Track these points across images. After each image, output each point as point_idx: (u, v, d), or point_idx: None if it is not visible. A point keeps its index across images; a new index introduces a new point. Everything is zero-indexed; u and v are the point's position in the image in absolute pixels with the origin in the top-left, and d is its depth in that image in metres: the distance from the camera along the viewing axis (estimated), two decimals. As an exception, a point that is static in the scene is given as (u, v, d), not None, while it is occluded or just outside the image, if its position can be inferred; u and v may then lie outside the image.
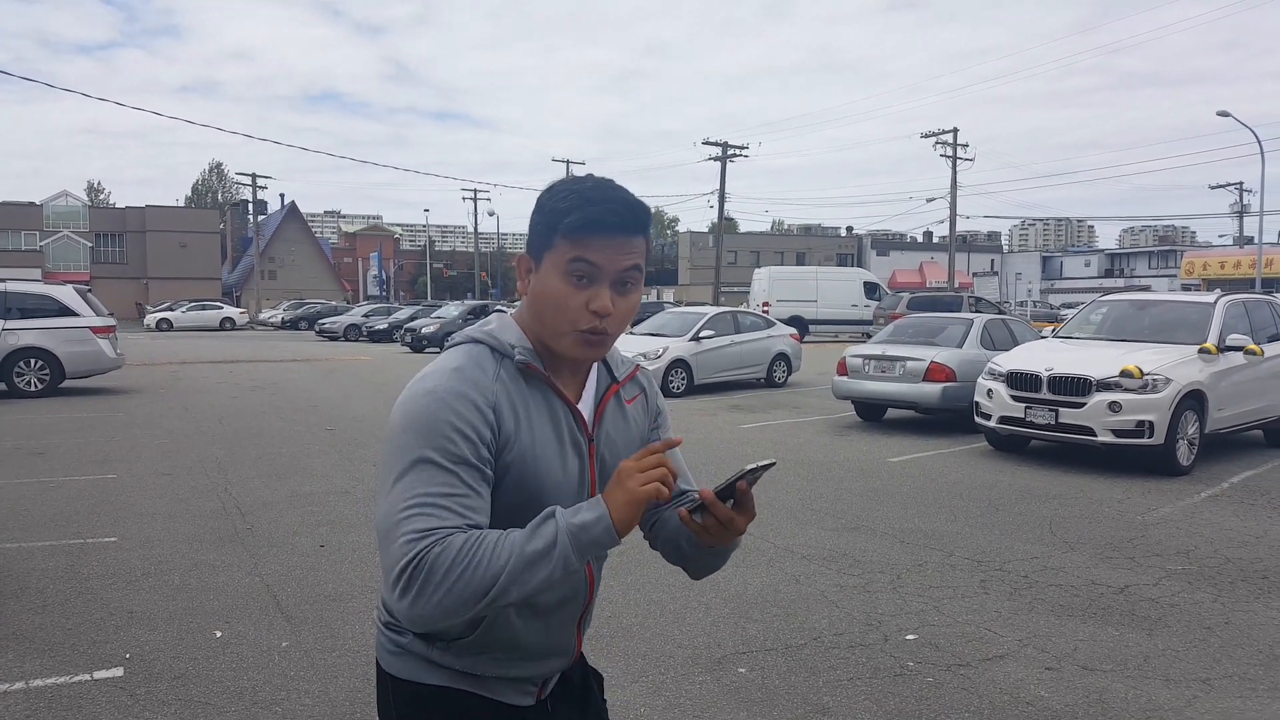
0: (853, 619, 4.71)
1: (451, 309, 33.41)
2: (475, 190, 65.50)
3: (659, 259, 76.17)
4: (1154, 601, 5.04)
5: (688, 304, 37.19)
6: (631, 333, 18.71)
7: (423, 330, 29.33)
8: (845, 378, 12.22)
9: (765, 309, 32.24)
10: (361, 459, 9.28)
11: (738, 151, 45.62)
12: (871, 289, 35.25)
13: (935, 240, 71.71)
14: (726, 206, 48.31)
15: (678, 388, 15.48)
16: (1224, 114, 34.82)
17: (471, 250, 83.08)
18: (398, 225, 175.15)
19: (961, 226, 51.36)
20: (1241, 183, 52.88)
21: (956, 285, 47.16)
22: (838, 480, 8.52)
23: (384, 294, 77.48)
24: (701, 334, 16.14)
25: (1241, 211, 52.61)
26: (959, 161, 43.02)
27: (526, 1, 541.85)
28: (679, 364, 15.59)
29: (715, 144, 45.29)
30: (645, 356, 15.24)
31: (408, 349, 29.48)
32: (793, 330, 18.93)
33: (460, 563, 1.21)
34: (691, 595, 5.04)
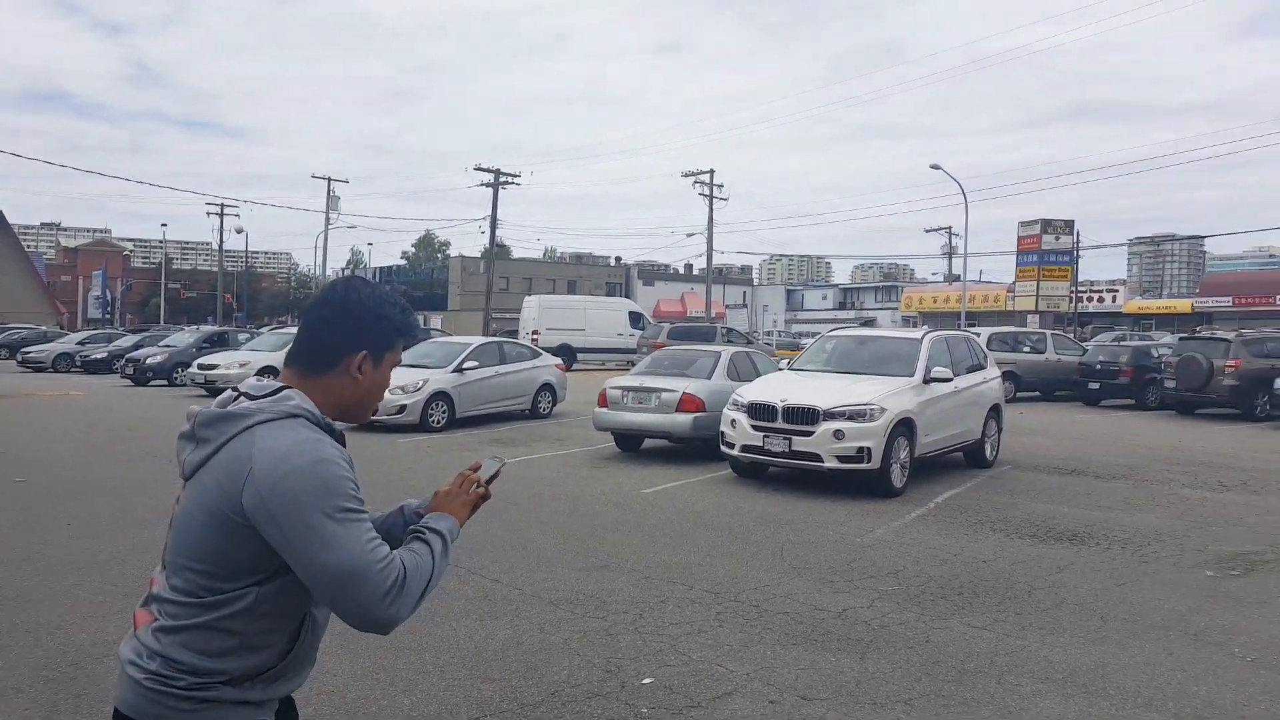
0: (593, 667, 4.80)
1: (184, 336, 29.63)
2: (223, 205, 60.94)
3: (428, 283, 74.48)
4: (867, 624, 5.53)
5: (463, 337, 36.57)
6: (391, 364, 18.14)
7: (148, 360, 25.24)
8: (605, 409, 12.52)
9: (535, 337, 32.43)
10: (56, 517, 8.17)
11: (510, 179, 45.70)
12: (636, 318, 36.39)
13: (695, 272, 75.25)
14: (499, 233, 48.21)
15: (438, 421, 15.15)
16: (935, 167, 39.26)
17: (215, 270, 77.17)
18: (129, 240, 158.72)
19: (718, 260, 54.32)
20: (950, 227, 59.79)
21: (713, 315, 49.74)
22: (592, 515, 8.68)
23: (107, 317, 70.01)
24: (465, 365, 15.91)
25: (950, 252, 59.45)
26: (715, 200, 45.54)
27: (289, 7, 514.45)
28: (440, 396, 15.28)
29: (488, 170, 45.11)
30: (404, 390, 14.83)
31: (129, 382, 25.59)
32: (558, 360, 19.14)
33: (417, 571, 1.69)
34: (427, 657, 4.88)
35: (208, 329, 33.53)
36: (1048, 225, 48.81)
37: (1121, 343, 25.93)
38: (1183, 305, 51.15)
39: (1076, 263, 48.91)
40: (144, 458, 11.79)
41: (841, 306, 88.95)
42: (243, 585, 1.67)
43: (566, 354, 32.22)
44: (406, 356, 18.03)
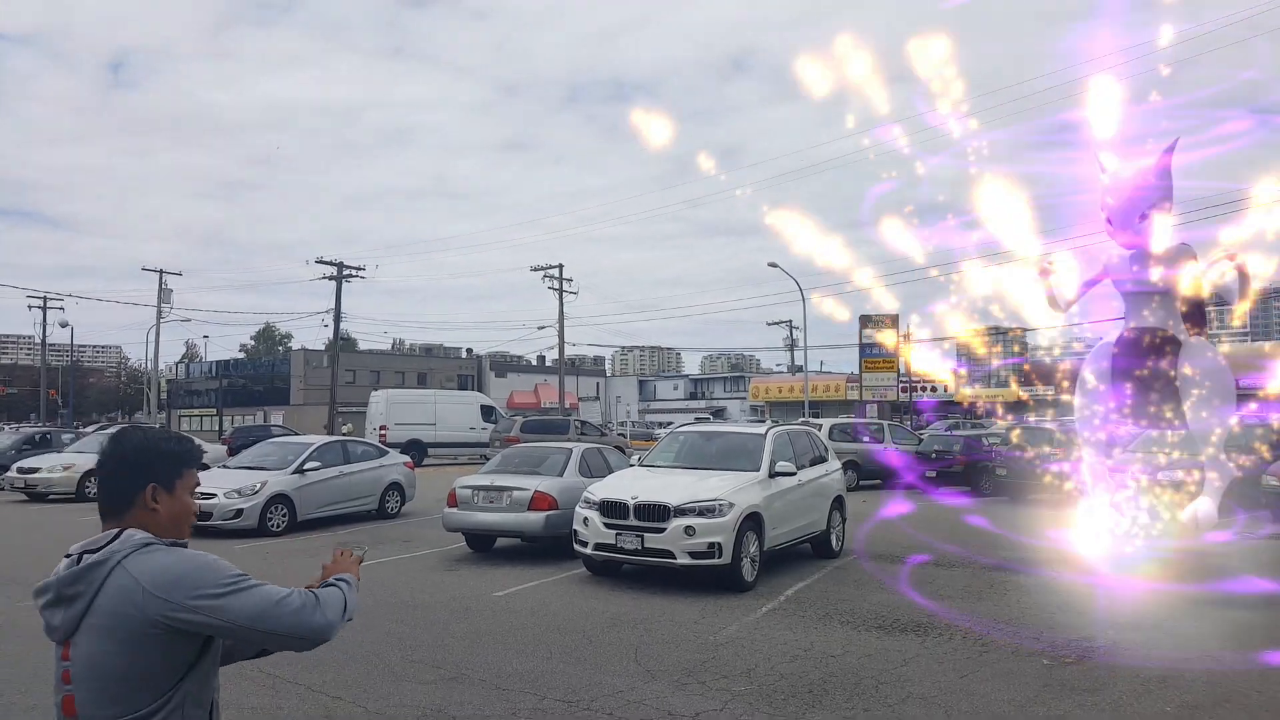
0: (436, 792, 4.49)
1: (3, 437, 27.26)
2: (45, 297, 56.63)
3: (269, 377, 71.17)
4: (720, 727, 5.45)
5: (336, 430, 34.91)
6: (227, 466, 17.04)
7: None
8: (455, 509, 12.13)
9: (383, 433, 31.37)
10: None
11: (354, 272, 44.75)
12: (488, 411, 35.87)
13: (548, 363, 75.37)
14: (345, 325, 46.84)
15: (278, 525, 14.24)
16: (773, 265, 41.30)
17: (37, 365, 71.25)
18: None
19: (570, 352, 54.71)
20: (791, 320, 62.55)
21: (567, 406, 49.73)
22: (442, 623, 8.29)
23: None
24: (306, 466, 15.14)
25: (792, 345, 62.11)
26: (565, 294, 46.09)
27: (118, 96, 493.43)
28: (280, 499, 14.40)
29: (330, 263, 44.06)
30: (240, 493, 13.93)
31: None
32: (406, 458, 18.52)
33: (330, 597, 2.19)
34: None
35: (29, 429, 30.75)
36: (873, 320, 52.01)
37: (954, 432, 27.57)
38: (1010, 394, 54.99)
39: (897, 356, 52.03)
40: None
41: (692, 396, 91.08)
42: (166, 692, 2.00)
43: (417, 449, 31.34)
44: (245, 458, 17.21)
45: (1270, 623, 8.39)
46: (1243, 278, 9.55)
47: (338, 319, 44.51)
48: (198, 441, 2.44)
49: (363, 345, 74.40)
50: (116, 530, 2.08)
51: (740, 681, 6.43)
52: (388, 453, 17.87)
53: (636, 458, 14.05)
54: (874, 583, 10.30)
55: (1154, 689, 6.25)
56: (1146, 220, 9.87)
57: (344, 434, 32.72)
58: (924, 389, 57.13)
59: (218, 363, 78.16)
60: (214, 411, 65.04)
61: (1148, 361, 9.82)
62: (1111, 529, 10.08)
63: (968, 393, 57.77)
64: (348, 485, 15.80)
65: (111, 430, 2.48)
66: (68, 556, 2.05)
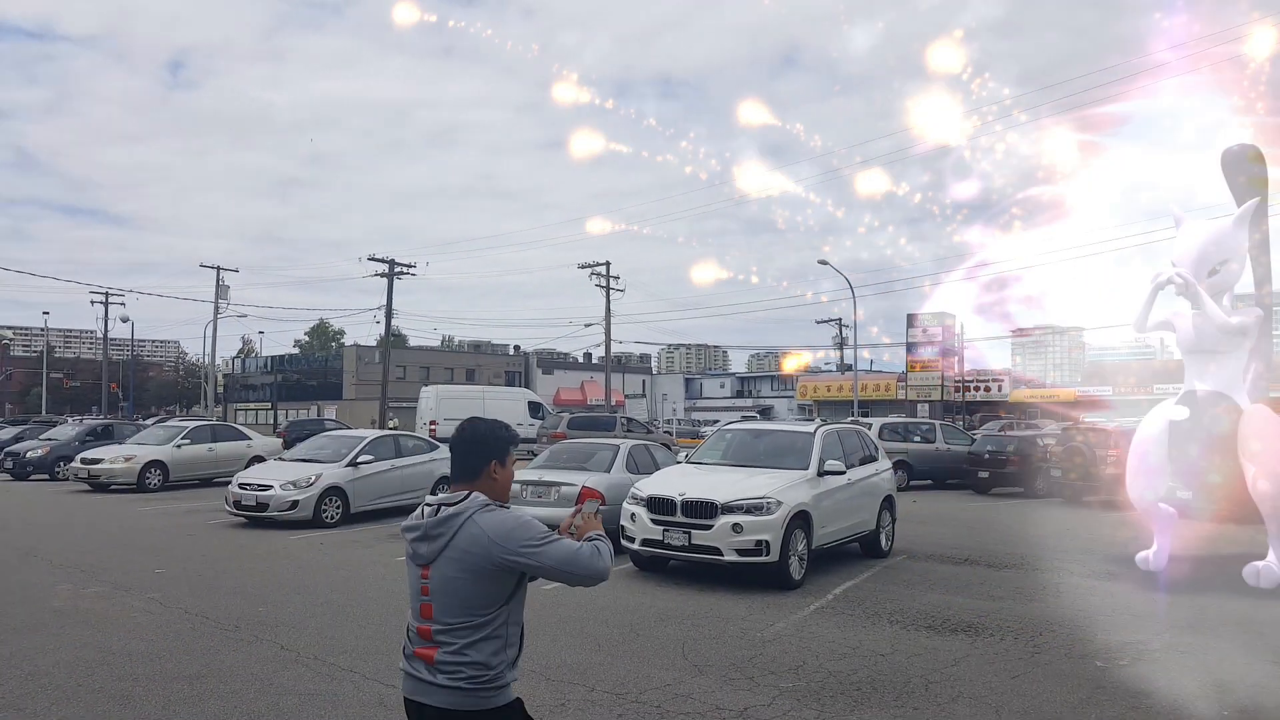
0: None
1: (67, 429, 28.23)
2: (107, 293, 58.42)
3: (322, 372, 72.60)
4: (767, 722, 5.45)
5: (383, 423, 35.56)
6: (283, 459, 17.44)
7: (28, 454, 24.00)
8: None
9: (432, 427, 31.82)
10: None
11: (405, 269, 45.38)
12: (535, 408, 36.20)
13: (595, 360, 75.75)
14: (395, 322, 47.56)
15: (332, 517, 14.54)
16: (824, 262, 40.92)
17: (99, 359, 73.52)
18: (9, 328, 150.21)
19: (616, 349, 54.84)
20: (840, 319, 61.96)
21: (613, 403, 49.88)
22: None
23: (-16, 408, 65.62)
24: (359, 459, 15.43)
25: (841, 344, 61.51)
26: (612, 291, 46.23)
27: (178, 96, 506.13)
28: (334, 491, 14.72)
29: (382, 260, 44.75)
30: (295, 485, 14.26)
31: (8, 476, 24.00)
32: (455, 453, 18.74)
33: (597, 550, 2.83)
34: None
35: (92, 421, 31.70)
36: (921, 319, 51.24)
37: (1008, 432, 27.06)
38: (1066, 394, 53.86)
39: (961, 354, 51.23)
40: (17, 558, 10.90)
41: (739, 395, 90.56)
42: (498, 606, 2.78)
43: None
44: (300, 451, 17.59)
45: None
46: None
47: (389, 315, 45.24)
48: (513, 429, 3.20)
49: (413, 342, 75.48)
50: (467, 492, 2.84)
51: (788, 678, 6.42)
52: (438, 447, 18.10)
53: (683, 455, 14.06)
54: (923, 583, 10.18)
55: (1210, 693, 6.10)
56: (1216, 276, 9.79)
57: (390, 429, 33.28)
58: (979, 388, 56.13)
59: (272, 358, 79.96)
60: (269, 405, 66.61)
61: (1206, 429, 9.68)
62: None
63: (1023, 393, 56.61)
64: (400, 478, 16.06)
65: (462, 421, 3.09)
66: (428, 506, 2.86)
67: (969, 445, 24.09)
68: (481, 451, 2.91)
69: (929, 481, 23.58)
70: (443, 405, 33.98)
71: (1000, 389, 56.67)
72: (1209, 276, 9.90)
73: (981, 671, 6.64)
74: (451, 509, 2.79)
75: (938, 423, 26.99)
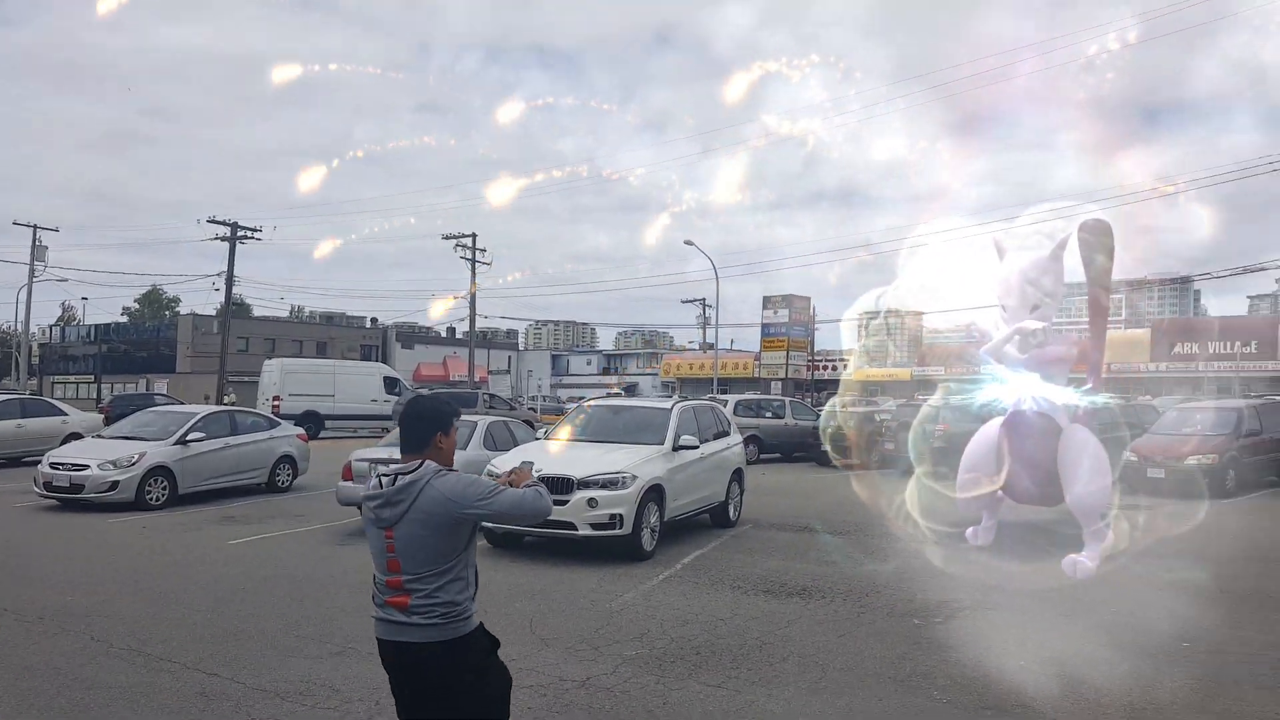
0: (318, 760, 4.46)
1: None
2: (-100, 255, 52.63)
3: (153, 343, 68.00)
4: (609, 691, 5.57)
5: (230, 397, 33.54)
6: (102, 436, 16.28)
7: None
8: (350, 483, 11.90)
9: (275, 404, 30.44)
10: None
11: (250, 233, 42.95)
12: (392, 384, 35.15)
13: (458, 335, 74.24)
14: (238, 290, 45.07)
15: (157, 498, 13.67)
16: (689, 243, 41.59)
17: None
18: None
19: (482, 325, 54.06)
20: (704, 299, 63.26)
21: (476, 379, 49.20)
22: (333, 598, 8.18)
23: None
24: (189, 437, 14.56)
25: (704, 323, 62.85)
26: (478, 264, 45.41)
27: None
28: (159, 471, 13.79)
29: (224, 223, 42.18)
30: (116, 464, 13.35)
31: None
32: (300, 430, 18.06)
33: (539, 493, 3.34)
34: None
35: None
36: (775, 300, 53.08)
37: (851, 408, 28.38)
38: (903, 374, 56.89)
39: (813, 334, 53.32)
40: None
41: (606, 372, 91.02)
42: (460, 553, 3.25)
43: (314, 421, 30.56)
44: (122, 427, 16.48)
45: (1106, 577, 8.98)
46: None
47: (230, 282, 42.73)
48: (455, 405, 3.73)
49: (258, 312, 71.82)
50: (419, 461, 3.26)
51: (632, 646, 6.56)
52: (279, 424, 17.37)
53: (543, 431, 14.07)
54: (765, 550, 10.61)
55: (1012, 646, 6.65)
56: (1038, 311, 10.52)
57: (228, 404, 31.66)
58: (826, 367, 58.47)
59: (97, 327, 74.09)
60: (92, 379, 61.81)
61: (1031, 444, 10.53)
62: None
63: (864, 372, 59.42)
64: (235, 457, 15.30)
65: (409, 398, 3.68)
66: (385, 477, 3.28)
67: (815, 421, 25.18)
68: (428, 425, 3.34)
69: (778, 455, 24.51)
70: (288, 380, 32.50)
71: (847, 367, 59.30)
72: (1031, 311, 10.62)
73: (812, 632, 7.00)
74: (409, 477, 3.22)
75: (787, 399, 28.06)
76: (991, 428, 11.20)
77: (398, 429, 13.97)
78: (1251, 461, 16.81)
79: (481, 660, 3.33)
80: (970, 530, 11.39)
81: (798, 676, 5.89)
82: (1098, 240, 10.56)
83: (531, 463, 3.68)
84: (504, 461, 10.43)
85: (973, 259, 11.69)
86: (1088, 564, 9.71)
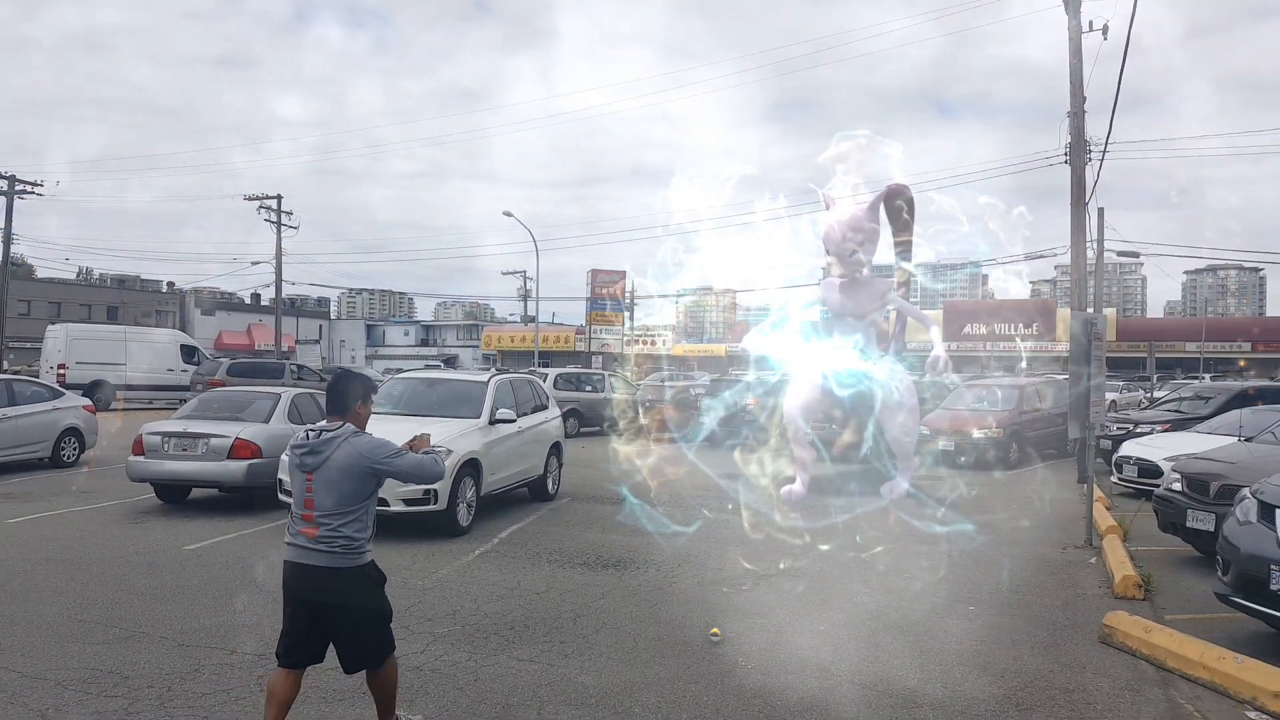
0: (99, 756, 4.20)
1: None
2: None
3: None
4: (419, 670, 5.52)
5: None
6: None
7: None
8: (142, 458, 11.10)
9: (61, 372, 27.89)
10: None
11: (30, 187, 38.71)
12: (190, 352, 32.87)
13: (264, 302, 70.00)
14: (18, 249, 40.57)
15: (-86, 477, 12.28)
16: (508, 214, 41.14)
17: None
18: None
19: (290, 291, 51.29)
20: (525, 271, 62.70)
21: (284, 349, 46.77)
22: (121, 579, 7.65)
23: None
24: (-47, 408, 13.13)
25: (525, 296, 62.40)
26: (284, 228, 42.98)
27: None
28: (-82, 447, 12.42)
29: (1, 176, 37.82)
30: None
31: None
32: (86, 401, 16.64)
33: (436, 458, 4.41)
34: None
35: None
36: (602, 275, 53.63)
37: (666, 383, 29.17)
38: (718, 349, 58.98)
39: (632, 309, 54.20)
40: None
41: (424, 343, 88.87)
42: (363, 500, 4.06)
43: (102, 392, 28.22)
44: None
45: (901, 543, 9.78)
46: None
47: (8, 240, 38.48)
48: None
49: (41, 273, 65.28)
50: (341, 423, 4.11)
51: (445, 624, 6.53)
52: (64, 394, 15.95)
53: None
54: (583, 523, 10.79)
55: (814, 612, 7.13)
56: (855, 256, 12.33)
57: (7, 373, 28.72)
58: (645, 342, 59.67)
59: None
60: None
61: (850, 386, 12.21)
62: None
63: (683, 347, 61.18)
64: (13, 430, 13.99)
65: (337, 369, 3.75)
66: (312, 431, 4.12)
67: (634, 394, 25.71)
68: (351, 394, 4.21)
69: (597, 428, 24.84)
70: (74, 347, 29.76)
71: (665, 343, 60.82)
72: (850, 256, 12.25)
73: (625, 603, 7.21)
74: (331, 434, 4.05)
75: (606, 374, 28.42)
76: (814, 371, 12.56)
77: (195, 400, 13.11)
78: (1032, 435, 18.66)
79: (370, 588, 4.14)
80: (784, 489, 12.21)
81: (610, 648, 6.06)
82: (901, 200, 12.41)
83: (429, 433, 4.50)
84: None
85: (781, 239, 12.78)
86: (902, 485, 11.29)
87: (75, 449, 15.29)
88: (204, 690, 5.09)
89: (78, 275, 74.01)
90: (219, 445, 10.85)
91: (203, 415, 11.81)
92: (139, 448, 11.12)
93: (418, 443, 4.27)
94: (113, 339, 31.68)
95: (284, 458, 9.90)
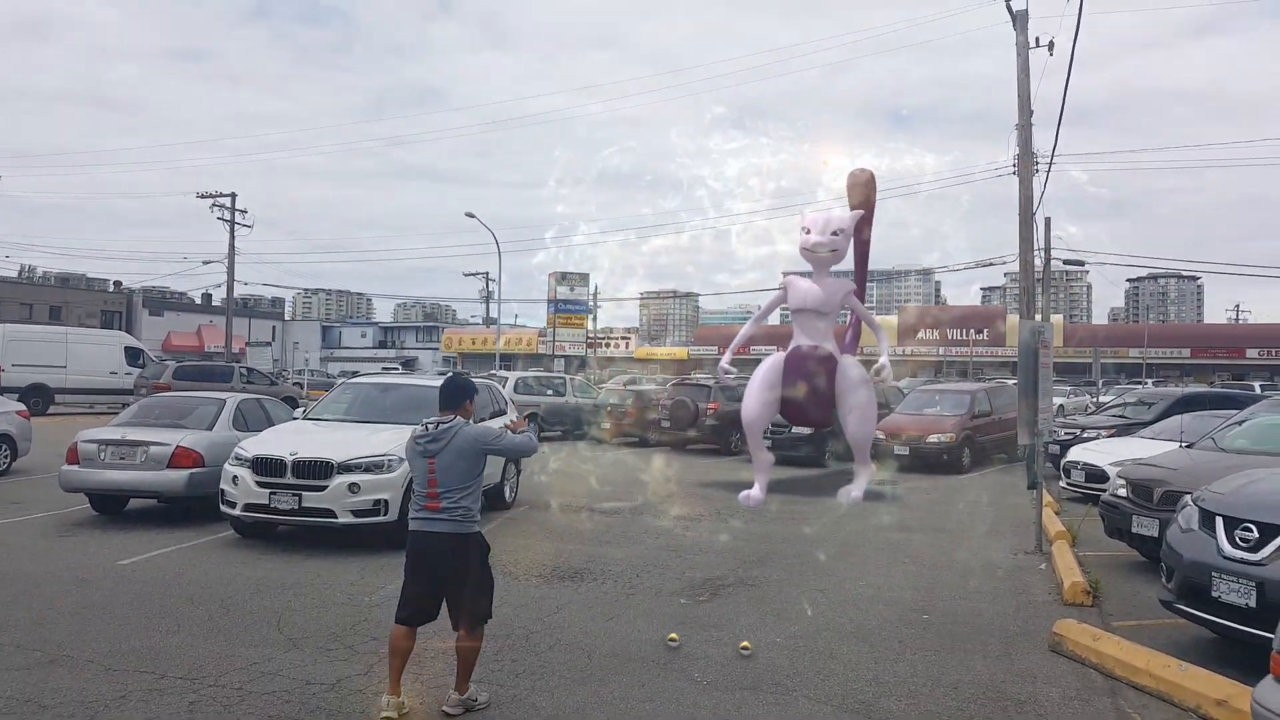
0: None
1: None
2: None
3: None
4: (361, 693, 5.25)
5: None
6: None
7: None
8: (76, 466, 10.62)
9: (-3, 375, 26.88)
10: None
11: (-37, 182, 37.46)
12: (135, 354, 31.90)
13: (215, 303, 68.52)
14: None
15: None
16: (470, 215, 40.68)
17: None
18: None
19: (243, 291, 50.21)
20: (488, 273, 62.14)
21: (235, 351, 45.77)
22: (47, 598, 7.23)
23: None
24: (-125, 415, 12.48)
25: (488, 297, 61.85)
26: (238, 226, 42.05)
27: None
28: None
29: (-71, 169, 36.54)
30: None
31: None
32: (20, 406, 16.00)
33: (531, 437, 5.70)
34: None
35: None
36: (565, 277, 53.29)
37: (629, 386, 28.93)
38: (680, 352, 58.96)
39: (595, 312, 53.95)
40: None
41: (382, 345, 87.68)
42: (476, 477, 5.07)
43: (41, 395, 27.29)
44: None
45: (857, 551, 9.68)
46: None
47: (-62, 239, 37.14)
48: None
49: (-23, 272, 63.10)
50: (453, 416, 5.03)
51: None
52: (-3, 399, 15.28)
53: (301, 410, 13.21)
54: (540, 533, 10.53)
55: (769, 620, 6.97)
56: (838, 237, 11.85)
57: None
58: (609, 344, 59.43)
59: None
60: None
61: (810, 378, 11.65)
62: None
63: (645, 350, 61.06)
64: (-61, 438, 13.31)
65: (449, 373, 4.99)
66: (430, 422, 5.05)
67: (595, 399, 25.44)
68: (462, 395, 5.16)
69: (559, 432, 24.53)
70: (11, 348, 28.67)
71: (628, 346, 60.68)
72: (832, 236, 11.80)
73: (580, 616, 6.98)
74: (448, 425, 4.96)
75: (569, 377, 28.13)
76: (773, 362, 12.16)
77: (135, 406, 12.59)
78: (983, 440, 18.76)
79: (484, 554, 5.11)
80: (743, 494, 11.89)
81: (564, 665, 5.83)
82: (865, 185, 12.15)
83: (519, 414, 5.59)
84: (254, 444, 9.67)
85: (745, 244, 12.52)
86: (857, 491, 10.97)
87: (7, 456, 14.65)
88: (130, 718, 4.76)
89: (20, 273, 71.90)
90: (159, 453, 10.40)
91: (143, 422, 11.33)
92: (74, 456, 10.63)
93: (516, 424, 5.65)
94: (53, 340, 30.61)
95: (226, 467, 9.54)
